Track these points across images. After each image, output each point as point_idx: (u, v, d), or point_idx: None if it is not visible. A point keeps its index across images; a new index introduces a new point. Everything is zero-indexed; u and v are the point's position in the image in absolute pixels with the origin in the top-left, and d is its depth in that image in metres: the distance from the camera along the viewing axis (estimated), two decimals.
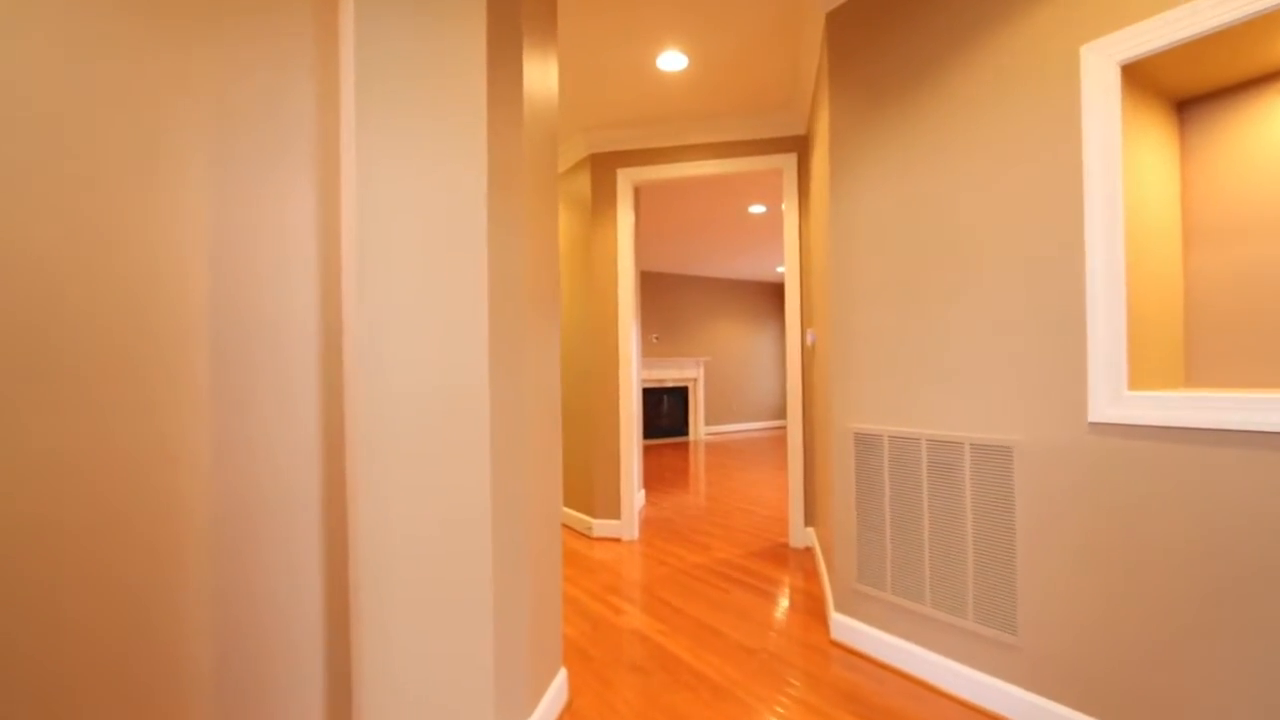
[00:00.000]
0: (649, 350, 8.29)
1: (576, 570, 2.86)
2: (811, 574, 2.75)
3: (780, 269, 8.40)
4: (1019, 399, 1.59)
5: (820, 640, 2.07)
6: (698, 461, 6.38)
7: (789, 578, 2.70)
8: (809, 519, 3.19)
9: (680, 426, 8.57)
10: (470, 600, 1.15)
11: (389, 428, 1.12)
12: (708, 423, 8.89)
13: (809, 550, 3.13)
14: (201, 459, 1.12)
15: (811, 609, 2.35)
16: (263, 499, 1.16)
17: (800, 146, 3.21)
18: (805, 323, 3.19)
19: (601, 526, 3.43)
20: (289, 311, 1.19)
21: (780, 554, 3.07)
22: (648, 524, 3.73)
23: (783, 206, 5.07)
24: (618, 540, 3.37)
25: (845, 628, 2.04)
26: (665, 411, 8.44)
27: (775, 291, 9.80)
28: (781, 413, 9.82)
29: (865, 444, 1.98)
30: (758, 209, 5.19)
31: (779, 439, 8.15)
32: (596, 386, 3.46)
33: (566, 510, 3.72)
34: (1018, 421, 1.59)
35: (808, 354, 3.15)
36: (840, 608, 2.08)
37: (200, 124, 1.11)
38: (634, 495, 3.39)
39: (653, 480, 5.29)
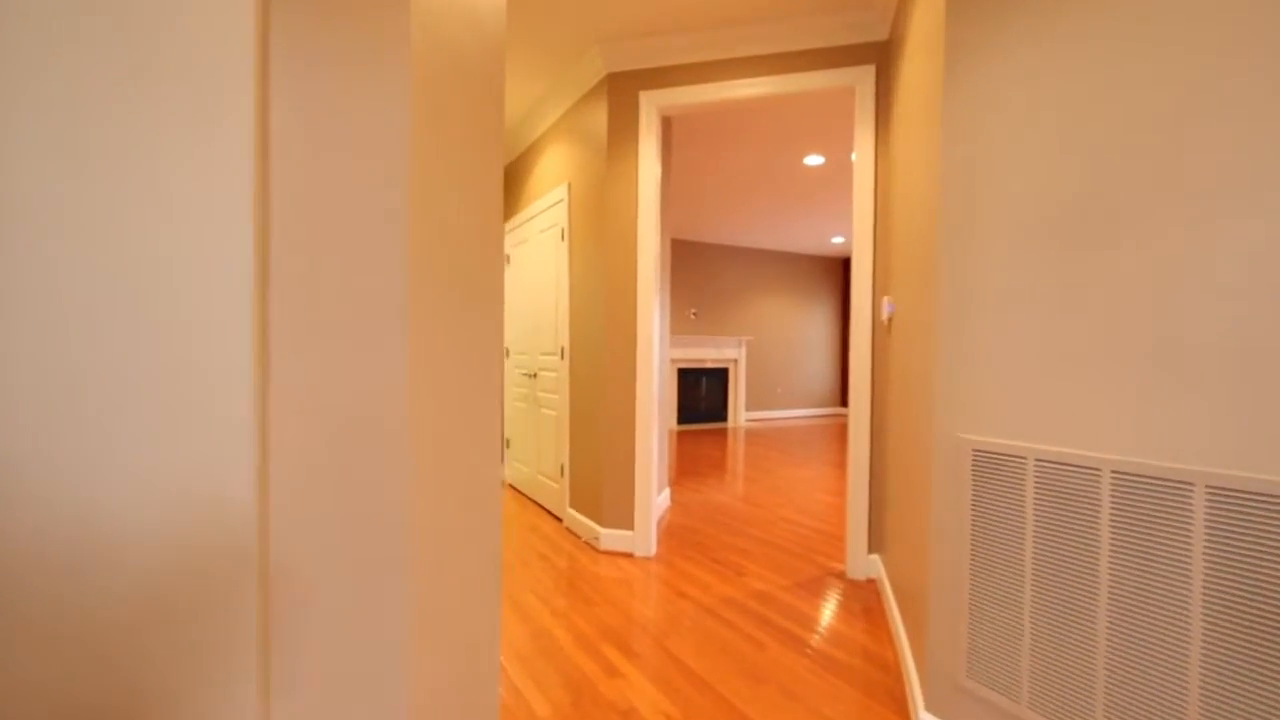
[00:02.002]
0: (686, 327, 7.57)
1: (572, 599, 2.26)
2: (879, 625, 2.05)
3: (837, 239, 7.49)
4: None
5: None
6: (736, 452, 5.69)
7: (849, 630, 2.02)
8: (874, 544, 2.47)
9: (719, 411, 7.88)
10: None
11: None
12: (749, 408, 8.16)
13: (872, 585, 2.42)
14: None
15: (885, 691, 1.66)
16: None
17: (880, 56, 2.42)
18: (878, 292, 2.44)
19: (610, 538, 2.81)
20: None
21: (835, 588, 2.38)
22: (669, 533, 3.09)
23: (852, 156, 4.25)
24: (629, 555, 2.74)
25: None
26: (703, 395, 7.76)
27: (830, 266, 8.86)
28: (832, 399, 8.96)
29: (992, 467, 1.26)
30: (814, 160, 4.37)
31: (829, 428, 7.34)
32: (607, 368, 2.81)
33: (571, 513, 3.12)
34: None
35: (882, 331, 2.41)
36: (934, 707, 1.39)
37: None
38: (651, 501, 2.75)
39: (682, 473, 4.64)
